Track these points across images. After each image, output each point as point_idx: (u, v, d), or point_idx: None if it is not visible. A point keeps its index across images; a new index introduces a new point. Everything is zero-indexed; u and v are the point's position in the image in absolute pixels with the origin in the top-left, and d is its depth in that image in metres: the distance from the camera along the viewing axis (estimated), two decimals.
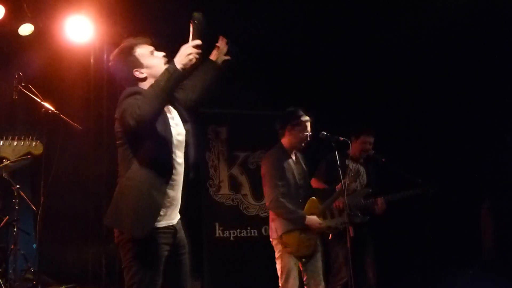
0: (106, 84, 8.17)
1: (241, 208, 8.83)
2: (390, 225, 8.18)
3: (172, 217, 4.05)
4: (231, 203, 8.84)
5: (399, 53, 8.30)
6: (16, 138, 3.68)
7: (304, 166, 6.29)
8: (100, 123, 8.04)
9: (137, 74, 3.92)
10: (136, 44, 3.95)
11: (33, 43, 7.26)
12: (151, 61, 3.95)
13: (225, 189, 8.91)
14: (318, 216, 6.07)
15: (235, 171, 8.98)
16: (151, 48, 3.99)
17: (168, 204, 3.99)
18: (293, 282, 5.89)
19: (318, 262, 6.07)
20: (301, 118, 6.10)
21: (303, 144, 6.17)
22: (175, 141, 3.95)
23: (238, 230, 8.68)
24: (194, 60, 3.74)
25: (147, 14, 7.80)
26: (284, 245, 5.94)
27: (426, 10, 7.56)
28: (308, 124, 6.11)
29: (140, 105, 3.55)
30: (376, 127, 8.18)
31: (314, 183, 6.88)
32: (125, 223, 3.78)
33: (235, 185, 8.89)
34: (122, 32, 7.82)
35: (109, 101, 8.11)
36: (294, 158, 6.22)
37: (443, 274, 7.77)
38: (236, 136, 8.98)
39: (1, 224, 6.81)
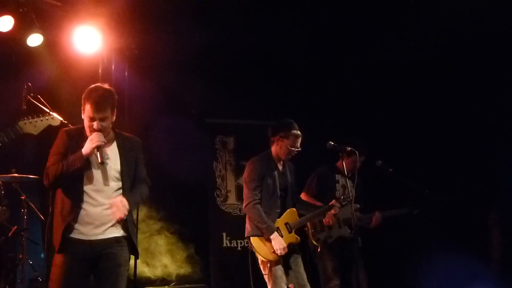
0: None
1: None
2: (396, 236, 8.19)
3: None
4: (239, 213, 8.84)
5: (406, 60, 8.29)
6: (35, 116, 4.09)
7: (289, 177, 6.32)
8: None
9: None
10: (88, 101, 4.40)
11: (41, 54, 7.30)
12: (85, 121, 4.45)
13: (232, 199, 8.92)
14: (291, 228, 6.10)
15: (243, 181, 8.97)
16: (93, 115, 4.38)
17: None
18: (282, 283, 5.94)
19: (299, 267, 6.10)
20: (291, 132, 6.09)
21: (289, 157, 6.21)
22: None
23: (246, 240, 8.66)
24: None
25: (154, 25, 7.84)
26: (251, 247, 6.07)
27: (425, 16, 7.56)
28: (298, 140, 6.11)
29: None
30: (384, 137, 8.21)
31: (303, 197, 6.92)
32: None
33: (242, 195, 8.86)
34: (130, 42, 7.86)
35: (117, 111, 8.12)
36: (281, 167, 6.27)
37: (452, 285, 7.74)
38: (243, 146, 8.99)
39: (10, 234, 6.84)
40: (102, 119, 4.38)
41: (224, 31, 8.09)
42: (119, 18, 7.67)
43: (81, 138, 4.42)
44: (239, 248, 8.68)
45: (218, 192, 8.88)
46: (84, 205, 4.32)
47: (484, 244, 7.99)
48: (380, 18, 8.01)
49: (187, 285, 8.13)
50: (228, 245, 8.70)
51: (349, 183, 6.92)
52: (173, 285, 8.01)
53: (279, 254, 5.90)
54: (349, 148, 6.06)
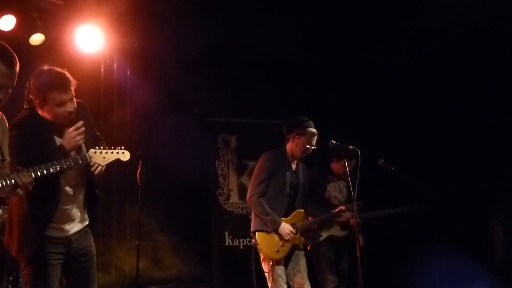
0: (116, 93, 8.21)
1: (251, 217, 8.82)
2: (398, 235, 8.19)
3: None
4: (241, 212, 8.85)
5: (408, 60, 8.28)
6: (106, 147, 3.96)
7: (301, 178, 6.32)
8: (110, 132, 8.07)
9: (37, 106, 4.12)
10: (51, 89, 4.06)
11: (43, 53, 7.30)
12: (54, 110, 4.07)
13: (234, 198, 8.92)
14: (298, 229, 6.09)
15: (245, 180, 8.98)
16: (64, 98, 4.08)
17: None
18: (282, 281, 5.96)
19: (300, 266, 6.10)
20: (307, 130, 6.09)
21: (304, 155, 6.19)
22: None
23: (248, 239, 8.68)
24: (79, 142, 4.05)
25: (156, 24, 7.84)
26: (255, 243, 6.06)
27: (425, 16, 7.55)
28: (314, 138, 6.11)
29: None
30: (386, 136, 8.19)
31: None
32: None
33: (244, 194, 8.84)
34: (132, 41, 7.86)
35: (119, 110, 8.14)
36: (294, 166, 6.26)
37: (455, 284, 7.74)
38: (246, 145, 8.99)
39: None
40: (71, 99, 4.11)
41: (227, 30, 8.08)
42: (121, 17, 7.68)
43: (43, 127, 4.11)
44: (241, 247, 8.68)
45: (220, 191, 8.88)
46: (62, 204, 4.14)
47: (487, 243, 7.99)
48: (381, 18, 8.01)
49: (189, 284, 8.13)
50: (230, 244, 8.70)
51: (342, 184, 6.97)
52: (175, 283, 8.01)
53: (287, 239, 5.93)
54: (351, 147, 6.03)
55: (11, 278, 6.70)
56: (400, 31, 7.90)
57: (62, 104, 4.05)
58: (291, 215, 6.15)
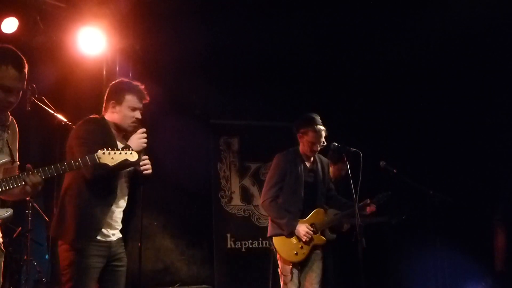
0: None
1: (253, 219, 8.83)
2: (399, 237, 8.18)
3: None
4: (243, 214, 8.85)
5: (409, 61, 8.28)
6: (115, 149, 4.01)
7: (321, 174, 6.16)
8: None
9: (109, 107, 4.55)
10: (130, 91, 4.52)
11: (46, 55, 7.31)
12: (126, 112, 4.50)
13: (236, 200, 8.92)
14: (317, 229, 5.98)
15: (247, 182, 8.99)
16: (138, 105, 4.52)
17: None
18: (293, 285, 5.89)
19: (312, 270, 6.01)
20: (311, 127, 5.97)
21: (313, 153, 6.06)
22: None
23: (250, 241, 8.69)
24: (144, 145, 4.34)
25: (158, 26, 7.84)
26: (273, 247, 5.97)
27: (426, 17, 7.57)
28: (319, 134, 5.95)
29: None
30: (388, 138, 8.19)
31: None
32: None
33: (246, 196, 8.90)
34: (134, 43, 7.87)
35: None
36: (309, 164, 6.12)
37: (455, 285, 7.73)
38: (248, 147, 9.00)
39: (14, 235, 6.83)
40: (141, 110, 4.53)
41: (229, 31, 8.08)
42: (123, 19, 7.67)
43: (109, 129, 4.46)
44: (243, 249, 8.68)
45: (222, 193, 8.89)
46: (113, 207, 4.35)
47: (488, 245, 7.98)
48: (382, 18, 8.02)
49: (192, 286, 8.13)
50: (233, 246, 8.70)
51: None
52: (178, 285, 8.01)
53: (305, 240, 5.84)
54: (353, 149, 5.99)
55: (12, 280, 6.72)
56: (400, 31, 7.91)
57: (134, 109, 4.49)
58: (310, 214, 6.00)
